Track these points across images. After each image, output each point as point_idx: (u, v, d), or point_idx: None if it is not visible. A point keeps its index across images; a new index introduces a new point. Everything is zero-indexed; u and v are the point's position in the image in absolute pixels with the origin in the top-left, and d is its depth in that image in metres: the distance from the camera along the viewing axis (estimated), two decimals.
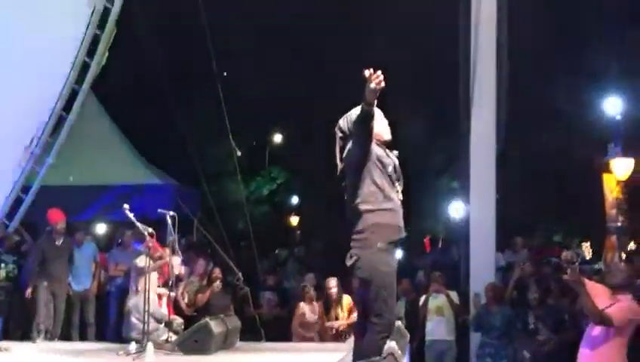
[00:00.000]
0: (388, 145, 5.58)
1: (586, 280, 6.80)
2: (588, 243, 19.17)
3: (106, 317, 12.13)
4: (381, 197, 5.33)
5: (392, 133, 5.65)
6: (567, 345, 8.98)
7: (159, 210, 9.64)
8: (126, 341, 9.69)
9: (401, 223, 5.46)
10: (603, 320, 6.50)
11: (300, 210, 31.57)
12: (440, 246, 17.62)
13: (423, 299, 11.07)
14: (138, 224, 9.07)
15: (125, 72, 18.22)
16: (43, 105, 11.65)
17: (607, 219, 13.41)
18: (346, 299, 10.67)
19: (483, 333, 10.34)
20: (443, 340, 10.90)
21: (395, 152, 5.63)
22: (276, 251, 17.81)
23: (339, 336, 10.41)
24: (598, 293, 6.70)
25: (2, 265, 11.40)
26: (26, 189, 12.08)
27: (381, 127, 5.55)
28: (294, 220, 30.40)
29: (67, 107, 11.83)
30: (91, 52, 11.60)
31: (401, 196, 5.54)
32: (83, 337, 11.59)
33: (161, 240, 10.12)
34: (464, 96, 12.04)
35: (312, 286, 11.46)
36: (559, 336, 9.67)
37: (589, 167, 15.17)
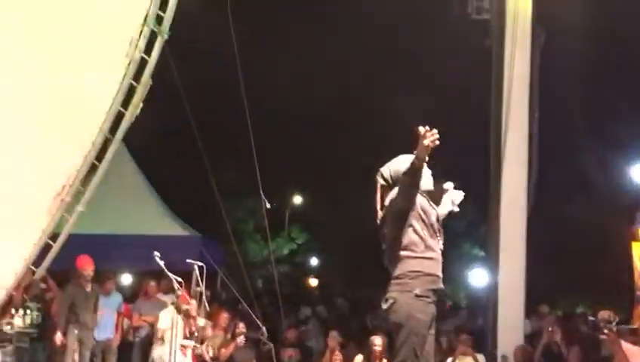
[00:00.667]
0: (430, 196, 5.55)
1: (622, 342, 6.69)
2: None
3: None
4: (423, 247, 5.32)
5: None
6: None
7: (188, 261, 9.61)
8: None
9: (440, 274, 5.42)
10: None
11: (319, 271, 31.55)
12: (464, 311, 17.39)
13: (449, 361, 10.98)
14: (168, 272, 9.02)
15: (155, 124, 18.37)
16: (76, 152, 11.70)
17: (636, 288, 13.17)
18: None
19: None
20: None
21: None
22: (299, 309, 17.64)
23: None
24: (633, 354, 6.60)
25: (27, 311, 11.32)
26: (54, 237, 12.08)
27: (425, 177, 5.53)
28: (313, 282, 30.31)
29: (99, 156, 11.89)
30: (126, 102, 11.70)
31: (441, 246, 5.51)
32: None
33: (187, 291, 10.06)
34: (496, 152, 12.05)
35: (335, 344, 11.41)
36: None
37: (616, 237, 15.00)
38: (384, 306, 5.33)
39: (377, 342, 10.63)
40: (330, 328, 13.21)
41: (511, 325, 11.58)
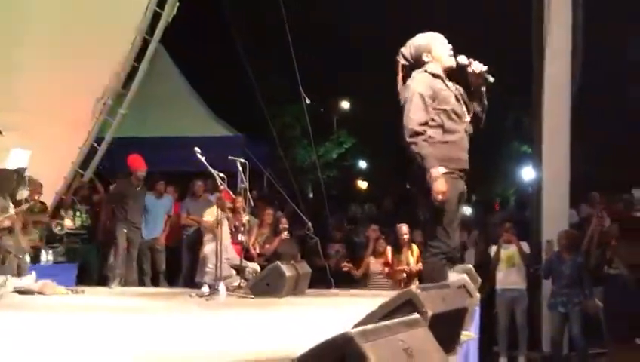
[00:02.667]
0: (450, 72, 5.44)
1: None
2: None
3: (178, 266, 12.26)
4: (441, 132, 5.24)
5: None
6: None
7: (230, 157, 9.66)
8: (199, 286, 9.83)
9: (463, 155, 5.35)
10: None
11: (368, 174, 31.63)
12: (512, 205, 17.37)
13: (494, 248, 11.07)
14: (210, 168, 9.09)
15: (195, 26, 18.31)
16: (115, 55, 11.78)
17: None
18: (415, 248, 10.73)
19: (554, 281, 10.34)
20: (514, 289, 10.99)
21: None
22: (348, 207, 17.78)
23: (409, 281, 10.43)
24: None
25: (77, 213, 11.60)
26: (99, 140, 12.28)
27: (443, 51, 5.43)
28: (363, 184, 30.40)
29: (138, 58, 11.94)
30: (162, 2, 11.66)
31: (468, 127, 5.41)
32: (155, 284, 11.72)
33: (232, 189, 10.16)
34: (538, 44, 11.80)
35: (376, 235, 11.69)
36: (633, 273, 9.56)
37: None
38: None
39: (403, 230, 10.96)
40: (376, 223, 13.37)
41: (555, 215, 11.52)
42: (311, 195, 16.48)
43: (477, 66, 5.35)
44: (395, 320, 2.90)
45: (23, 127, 10.40)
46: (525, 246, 11.10)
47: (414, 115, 5.14)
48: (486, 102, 5.48)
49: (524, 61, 12.93)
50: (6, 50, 10.33)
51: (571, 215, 12.44)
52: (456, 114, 5.30)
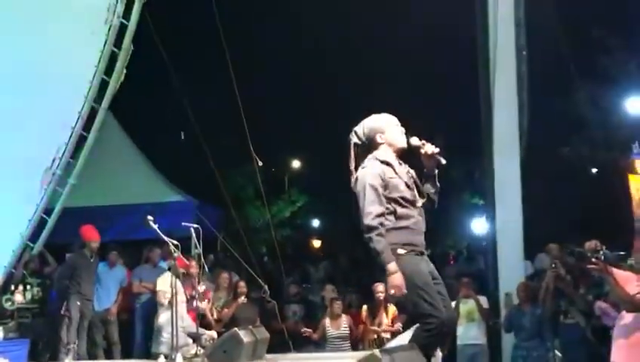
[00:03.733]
0: (401, 154, 5.45)
1: (614, 269, 6.65)
2: None
3: (131, 336, 12.06)
4: (393, 219, 5.21)
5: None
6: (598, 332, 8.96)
7: (183, 223, 9.54)
8: (154, 357, 9.61)
9: (419, 241, 5.30)
10: (636, 306, 6.34)
11: (321, 232, 31.67)
12: (465, 256, 17.47)
13: (453, 304, 11.03)
14: (162, 235, 8.95)
15: (142, 92, 18.28)
16: (63, 125, 11.66)
17: (635, 219, 13.16)
18: (392, 308, 10.67)
19: (515, 334, 10.37)
20: (474, 344, 11.00)
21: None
22: (304, 267, 17.69)
23: (381, 343, 10.33)
24: (627, 281, 6.56)
25: (28, 287, 11.33)
26: (48, 211, 12.07)
27: (395, 134, 5.44)
28: (317, 243, 30.39)
29: (87, 127, 11.84)
30: (109, 70, 11.62)
31: (421, 210, 5.37)
32: (109, 356, 11.48)
33: (187, 255, 10.02)
34: (485, 97, 11.98)
35: (332, 295, 11.80)
36: (589, 323, 9.64)
37: (614, 170, 14.98)
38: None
39: (380, 288, 10.64)
40: (332, 282, 13.33)
41: (511, 266, 11.59)
42: (265, 258, 16.35)
43: (429, 148, 5.36)
44: None
45: None
46: (484, 300, 11.15)
47: (369, 209, 5.13)
48: (439, 184, 5.48)
49: (473, 114, 13.12)
50: None
51: (526, 266, 12.52)
52: (406, 200, 5.28)
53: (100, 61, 11.45)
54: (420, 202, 5.36)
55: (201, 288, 10.20)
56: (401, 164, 5.42)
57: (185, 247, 9.57)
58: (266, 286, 11.68)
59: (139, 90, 16.16)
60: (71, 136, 11.67)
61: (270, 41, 22.90)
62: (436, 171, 5.45)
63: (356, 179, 5.29)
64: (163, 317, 9.85)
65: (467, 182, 27.89)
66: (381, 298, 10.74)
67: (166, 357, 8.98)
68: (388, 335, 10.51)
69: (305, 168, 31.85)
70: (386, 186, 5.20)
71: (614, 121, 16.99)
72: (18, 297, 11.03)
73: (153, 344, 10.03)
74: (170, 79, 12.94)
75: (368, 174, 5.22)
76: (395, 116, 5.55)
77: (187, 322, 9.79)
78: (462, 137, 22.07)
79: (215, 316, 11.19)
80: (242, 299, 11.25)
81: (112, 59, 11.55)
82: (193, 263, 9.88)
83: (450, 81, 19.65)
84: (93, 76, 11.46)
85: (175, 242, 9.05)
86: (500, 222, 11.93)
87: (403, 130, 5.45)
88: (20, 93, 10.63)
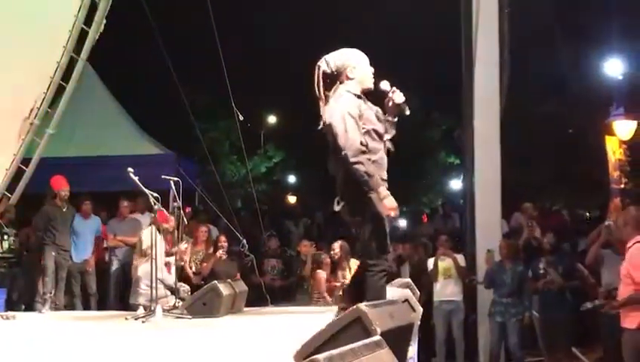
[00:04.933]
0: (368, 94, 5.48)
1: None
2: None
3: (107, 288, 12.08)
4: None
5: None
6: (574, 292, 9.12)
7: (163, 176, 9.51)
8: (133, 308, 9.65)
9: (384, 174, 5.36)
10: None
11: (297, 188, 31.69)
12: (441, 214, 17.59)
13: (431, 261, 11.23)
14: (144, 188, 8.92)
15: (123, 43, 18.09)
16: (41, 75, 11.51)
17: (610, 182, 13.33)
18: (353, 262, 10.69)
19: (495, 290, 10.50)
20: (451, 301, 11.15)
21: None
22: (282, 222, 17.74)
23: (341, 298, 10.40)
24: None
25: (5, 237, 11.25)
26: (26, 161, 11.97)
27: (366, 72, 5.46)
28: (292, 199, 30.41)
29: (66, 77, 11.69)
30: (89, 20, 11.45)
31: (389, 145, 5.47)
32: (86, 307, 11.50)
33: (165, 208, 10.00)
34: (467, 55, 11.96)
35: (309, 250, 11.99)
36: (568, 283, 9.83)
37: (590, 130, 15.10)
38: (336, 208, 5.32)
39: (335, 246, 10.83)
40: (310, 239, 13.38)
41: (488, 225, 11.67)
42: (243, 213, 16.36)
43: (398, 96, 5.41)
44: (359, 344, 2.88)
45: None
46: (461, 258, 11.29)
47: (353, 136, 5.12)
48: (394, 131, 5.54)
49: (452, 74, 13.13)
50: None
51: (502, 225, 12.63)
52: (377, 133, 5.33)
53: (79, 10, 11.27)
54: (387, 136, 5.43)
55: (183, 246, 10.21)
56: (365, 101, 5.44)
57: (163, 201, 9.56)
58: (244, 241, 11.68)
59: (119, 42, 16.01)
60: (49, 86, 11.53)
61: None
62: (396, 119, 5.50)
63: (332, 107, 5.27)
64: (141, 269, 9.82)
65: (444, 141, 27.99)
66: (336, 254, 10.78)
67: (145, 308, 9.01)
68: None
69: (281, 124, 31.72)
70: (361, 117, 5.23)
71: (593, 81, 17.04)
72: None
73: (131, 295, 10.00)
74: (150, 31, 12.78)
75: (346, 104, 5.22)
76: (376, 71, 5.55)
77: (165, 274, 9.79)
78: (440, 95, 22.13)
79: (193, 269, 11.20)
80: (221, 252, 11.25)
81: (92, 9, 11.36)
82: (172, 219, 9.87)
83: (430, 38, 19.57)
84: (73, 26, 11.29)
85: (155, 195, 9.04)
86: (478, 181, 11.96)
87: (373, 70, 5.47)
88: (1, 42, 10.43)
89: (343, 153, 5.09)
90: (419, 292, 7.69)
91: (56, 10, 11.22)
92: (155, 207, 9.01)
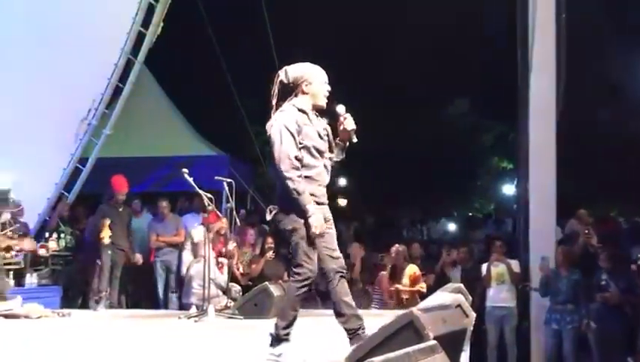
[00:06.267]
0: (319, 111, 5.49)
1: None
2: None
3: (153, 287, 12.12)
4: (299, 166, 5.22)
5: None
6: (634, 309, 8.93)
7: (216, 177, 9.61)
8: (185, 307, 9.75)
9: (319, 192, 5.32)
10: None
11: (348, 191, 31.66)
12: (493, 220, 17.44)
13: (485, 266, 11.17)
14: (198, 189, 9.02)
15: (179, 46, 18.28)
16: (99, 76, 11.73)
17: None
18: (411, 268, 10.68)
19: (550, 298, 10.40)
20: (504, 306, 11.05)
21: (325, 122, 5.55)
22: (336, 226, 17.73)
23: (401, 302, 10.38)
24: None
25: (61, 235, 11.44)
26: (83, 161, 12.17)
27: (320, 90, 5.47)
28: (342, 201, 30.39)
29: (122, 78, 11.89)
30: (146, 22, 11.63)
31: (327, 163, 5.43)
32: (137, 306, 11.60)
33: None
34: (523, 60, 11.85)
35: (359, 252, 11.95)
36: (628, 298, 9.66)
37: None
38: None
39: (395, 250, 10.79)
40: (360, 242, 13.36)
41: (542, 231, 11.51)
42: None
43: (348, 123, 5.47)
44: (415, 348, 2.87)
45: (7, 149, 10.30)
46: (515, 264, 11.18)
47: (287, 150, 5.16)
48: (344, 156, 5.58)
49: (508, 77, 13.01)
50: None
51: (556, 231, 12.47)
52: (317, 150, 5.33)
53: (137, 13, 11.46)
54: (328, 154, 5.42)
55: (231, 246, 10.29)
56: (317, 116, 5.46)
57: (216, 202, 9.65)
58: None
59: (174, 44, 16.18)
60: (107, 87, 11.74)
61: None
62: (347, 144, 5.55)
63: (273, 121, 5.31)
64: (194, 269, 9.92)
65: (497, 145, 27.72)
66: (399, 259, 10.78)
67: (197, 307, 9.12)
68: (407, 296, 10.54)
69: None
70: (299, 132, 5.24)
71: None
72: (52, 244, 11.15)
73: (184, 295, 10.11)
74: (206, 33, 12.94)
75: (285, 118, 5.25)
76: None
77: (217, 274, 9.87)
78: (494, 101, 21.92)
79: (241, 270, 11.25)
80: (270, 254, 11.31)
81: (149, 11, 11.55)
82: (224, 221, 9.97)
83: (486, 43, 19.42)
84: (130, 28, 11.48)
85: (209, 195, 9.12)
86: (533, 186, 11.83)
87: (329, 89, 5.50)
88: (57, 45, 10.65)
89: (277, 166, 5.15)
90: (471, 298, 7.63)
91: (115, 13, 11.43)
92: (209, 207, 9.10)
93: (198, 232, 10.07)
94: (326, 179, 5.38)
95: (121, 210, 11.09)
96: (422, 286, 10.55)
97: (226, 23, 15.95)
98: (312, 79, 5.42)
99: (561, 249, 10.73)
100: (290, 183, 5.06)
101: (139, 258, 11.41)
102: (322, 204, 5.32)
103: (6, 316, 8.66)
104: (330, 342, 6.18)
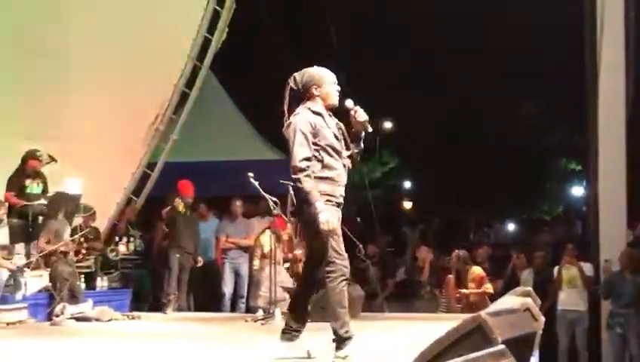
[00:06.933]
0: (331, 110, 5.55)
1: None
2: None
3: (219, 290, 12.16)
4: (319, 167, 5.29)
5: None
6: None
7: (281, 181, 9.63)
8: (252, 311, 9.82)
9: (338, 193, 5.37)
10: None
11: (413, 194, 31.56)
12: (562, 222, 17.18)
13: (556, 269, 11.01)
14: (264, 193, 9.08)
15: (242, 49, 18.43)
16: (166, 82, 11.91)
17: None
18: (474, 270, 10.56)
19: (613, 301, 10.22)
20: (575, 310, 10.87)
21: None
22: (399, 227, 17.75)
23: (469, 306, 10.27)
24: None
25: (131, 239, 11.63)
26: (151, 165, 12.35)
27: (330, 90, 5.53)
28: (408, 204, 30.32)
29: (189, 84, 12.05)
30: (211, 28, 11.78)
31: (346, 162, 5.49)
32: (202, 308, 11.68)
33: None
34: (591, 62, 11.65)
35: (426, 256, 11.92)
36: None
37: None
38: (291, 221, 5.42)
39: (453, 254, 10.73)
40: (426, 244, 13.30)
41: (612, 233, 11.29)
42: (358, 219, 16.37)
43: (360, 115, 5.54)
44: (483, 353, 2.84)
45: (76, 155, 10.53)
46: (587, 267, 10.99)
47: (297, 152, 5.23)
48: (362, 146, 5.65)
49: (576, 78, 12.82)
50: (56, 78, 10.51)
51: (627, 234, 12.23)
52: (334, 149, 5.39)
53: (202, 19, 11.61)
54: (346, 153, 5.49)
55: (298, 252, 10.32)
56: (331, 116, 5.53)
57: (281, 206, 9.69)
58: (361, 246, 11.69)
59: (239, 48, 16.32)
60: (173, 93, 11.91)
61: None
62: (363, 134, 5.62)
63: (288, 124, 5.38)
64: (261, 273, 9.99)
65: (564, 147, 27.33)
66: (460, 264, 10.64)
67: (264, 310, 9.17)
68: (474, 298, 10.43)
69: (396, 130, 31.66)
70: (315, 134, 5.31)
71: None
72: (122, 248, 11.35)
73: (251, 298, 10.19)
74: (270, 37, 13.03)
75: (299, 120, 5.32)
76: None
77: (283, 277, 9.92)
78: (561, 101, 21.62)
79: None
80: None
81: (215, 17, 11.68)
82: (288, 227, 10.02)
83: (554, 43, 19.15)
84: (196, 34, 11.64)
85: (275, 199, 9.17)
86: (602, 188, 11.62)
87: (339, 89, 5.57)
88: (126, 52, 10.87)
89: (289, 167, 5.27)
90: (540, 301, 7.53)
91: (181, 20, 11.59)
92: (275, 211, 9.15)
93: (265, 236, 10.13)
94: (345, 179, 5.46)
95: (188, 213, 11.19)
96: (487, 287, 10.40)
97: (290, 26, 16.04)
98: (321, 82, 5.50)
99: (625, 251, 10.51)
100: (298, 184, 5.15)
101: (200, 260, 11.51)
102: (340, 204, 5.39)
103: (77, 319, 8.84)
104: (397, 345, 6.17)
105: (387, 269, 13.02)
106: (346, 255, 5.27)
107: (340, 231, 5.28)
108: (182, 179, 11.31)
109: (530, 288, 7.52)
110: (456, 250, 10.82)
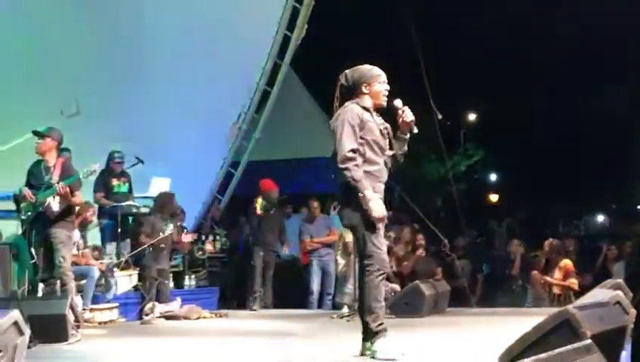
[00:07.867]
0: (378, 110, 5.52)
1: None
2: None
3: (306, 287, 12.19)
4: (361, 161, 5.24)
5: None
6: None
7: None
8: (337, 307, 9.83)
9: (379, 188, 5.32)
10: None
11: (498, 186, 31.12)
12: None
13: None
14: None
15: (321, 46, 18.47)
16: (248, 80, 12.02)
17: None
18: (564, 262, 10.33)
19: None
20: None
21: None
22: (486, 222, 17.50)
23: (554, 299, 10.08)
24: None
25: (217, 237, 11.78)
26: (234, 164, 12.48)
27: (380, 90, 5.50)
28: (494, 197, 29.90)
29: (270, 82, 12.13)
30: (291, 25, 11.83)
31: (387, 160, 5.44)
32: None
33: None
34: None
35: (518, 250, 11.72)
36: None
37: None
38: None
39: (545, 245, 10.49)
40: (515, 238, 13.09)
41: None
42: (442, 213, 16.25)
43: (407, 115, 5.50)
44: (568, 348, 2.77)
45: (164, 155, 10.71)
46: None
47: (345, 142, 5.22)
48: (406, 148, 5.58)
49: None
50: (144, 86, 10.75)
51: None
52: (378, 145, 5.37)
53: (282, 16, 11.67)
54: (389, 151, 5.47)
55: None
56: (378, 115, 5.52)
57: None
58: (446, 241, 11.59)
59: (318, 45, 16.36)
60: (255, 92, 12.01)
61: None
62: (408, 135, 5.57)
63: (337, 116, 5.39)
64: (346, 270, 10.00)
65: None
66: (552, 253, 10.44)
67: (349, 307, 9.17)
68: (558, 291, 10.21)
69: (481, 121, 31.22)
70: (362, 127, 5.31)
71: None
72: (208, 247, 11.50)
73: (337, 294, 10.23)
74: (348, 33, 13.02)
75: (348, 112, 5.33)
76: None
77: None
78: None
79: (394, 268, 11.22)
80: (421, 251, 11.24)
81: (294, 14, 11.73)
82: None
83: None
84: (276, 32, 11.71)
85: None
86: None
87: (388, 88, 5.54)
88: (209, 53, 11.04)
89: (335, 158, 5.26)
90: (631, 294, 7.32)
91: (261, 18, 11.67)
92: None
93: (349, 233, 10.11)
94: (385, 176, 5.45)
95: (272, 212, 11.24)
96: (573, 282, 10.16)
97: (367, 21, 16.00)
98: (371, 80, 5.50)
99: None
100: (346, 173, 5.13)
101: (285, 249, 11.53)
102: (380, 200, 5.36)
103: (167, 317, 9.01)
104: (485, 340, 6.10)
105: (475, 263, 12.86)
106: (385, 249, 5.27)
107: (380, 225, 5.27)
108: (263, 177, 11.41)
109: (620, 280, 7.35)
110: (550, 239, 10.66)
